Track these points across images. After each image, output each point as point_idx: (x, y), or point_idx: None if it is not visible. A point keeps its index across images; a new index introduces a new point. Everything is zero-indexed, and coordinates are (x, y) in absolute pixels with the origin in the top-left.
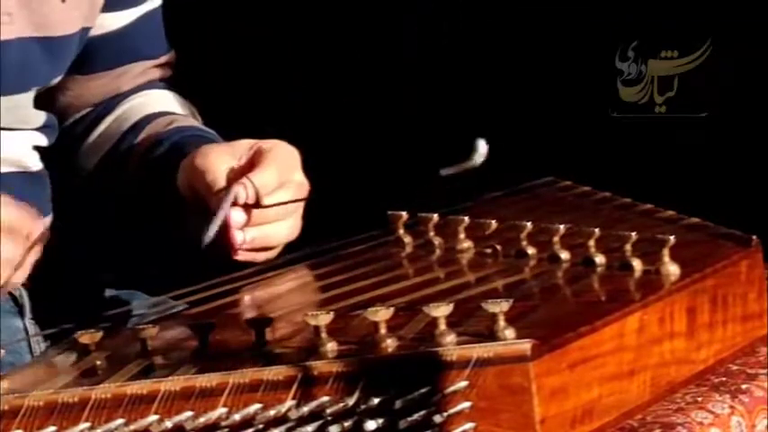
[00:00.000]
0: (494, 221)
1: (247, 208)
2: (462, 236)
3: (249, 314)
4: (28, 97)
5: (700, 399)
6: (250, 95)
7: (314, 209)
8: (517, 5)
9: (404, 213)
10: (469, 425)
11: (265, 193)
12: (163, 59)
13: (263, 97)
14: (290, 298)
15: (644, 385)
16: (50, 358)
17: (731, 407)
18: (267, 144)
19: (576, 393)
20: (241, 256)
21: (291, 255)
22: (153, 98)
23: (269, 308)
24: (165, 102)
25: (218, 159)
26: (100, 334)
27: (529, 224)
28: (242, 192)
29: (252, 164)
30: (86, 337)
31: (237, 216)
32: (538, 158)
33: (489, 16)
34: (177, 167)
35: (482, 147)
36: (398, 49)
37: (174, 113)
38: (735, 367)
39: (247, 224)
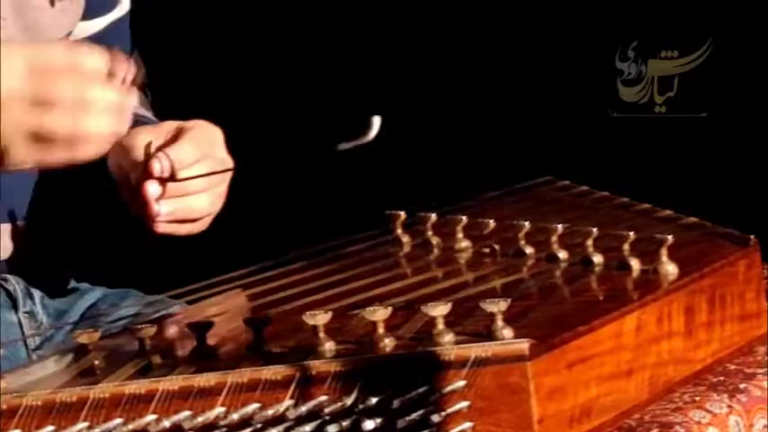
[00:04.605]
0: (492, 221)
1: (162, 181)
2: (460, 235)
3: (247, 314)
4: None
5: (697, 398)
6: (250, 93)
7: (313, 209)
8: (517, 5)
9: (402, 213)
10: (467, 424)
11: (180, 166)
12: None
13: (260, 96)
14: (288, 297)
15: (642, 385)
16: (49, 358)
17: (729, 406)
18: (189, 123)
19: (573, 393)
20: (161, 228)
21: (291, 254)
22: None
23: (267, 307)
24: None
25: (144, 138)
26: (98, 333)
27: (527, 224)
28: (157, 165)
29: (171, 141)
30: (84, 337)
31: (152, 188)
32: (537, 158)
33: (489, 17)
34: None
35: (376, 123)
36: (398, 47)
37: None
38: (733, 367)
39: (162, 196)
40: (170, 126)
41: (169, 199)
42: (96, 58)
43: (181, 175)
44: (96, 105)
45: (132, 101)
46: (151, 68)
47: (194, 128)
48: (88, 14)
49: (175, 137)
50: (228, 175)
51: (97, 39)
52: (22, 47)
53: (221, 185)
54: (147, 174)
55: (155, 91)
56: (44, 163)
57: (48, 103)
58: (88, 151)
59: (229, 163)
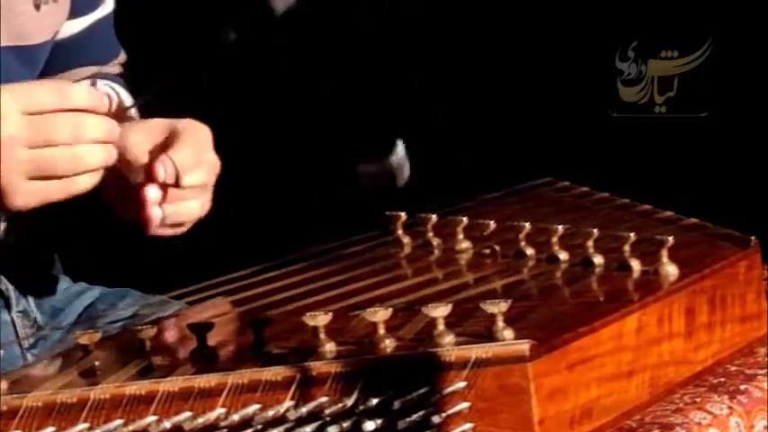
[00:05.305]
0: (492, 222)
1: (164, 186)
2: (461, 236)
3: (248, 314)
4: None
5: (698, 399)
6: (250, 95)
7: (314, 209)
8: (518, 5)
9: (403, 214)
10: (468, 425)
11: (183, 172)
12: (113, 63)
13: (260, 98)
14: (289, 298)
15: (642, 386)
16: (49, 358)
17: (729, 407)
18: (182, 123)
19: (574, 394)
20: (154, 231)
21: (291, 255)
22: None
23: (268, 308)
24: None
25: (136, 137)
26: (98, 334)
27: (527, 225)
28: (161, 169)
29: (168, 143)
30: (85, 338)
31: (154, 193)
32: (537, 158)
33: (489, 17)
34: None
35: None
36: (399, 48)
37: None
38: (733, 368)
39: (163, 201)
40: (159, 124)
41: (167, 204)
42: (83, 92)
43: (183, 180)
44: (90, 137)
45: (117, 130)
46: (141, 68)
47: (188, 129)
48: (73, 14)
49: (171, 138)
50: (216, 177)
51: (81, 38)
52: (14, 92)
53: (209, 189)
54: (149, 177)
55: (145, 89)
56: (45, 200)
57: (45, 142)
58: (85, 182)
59: (218, 164)
